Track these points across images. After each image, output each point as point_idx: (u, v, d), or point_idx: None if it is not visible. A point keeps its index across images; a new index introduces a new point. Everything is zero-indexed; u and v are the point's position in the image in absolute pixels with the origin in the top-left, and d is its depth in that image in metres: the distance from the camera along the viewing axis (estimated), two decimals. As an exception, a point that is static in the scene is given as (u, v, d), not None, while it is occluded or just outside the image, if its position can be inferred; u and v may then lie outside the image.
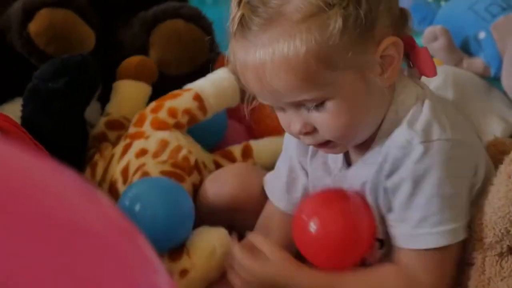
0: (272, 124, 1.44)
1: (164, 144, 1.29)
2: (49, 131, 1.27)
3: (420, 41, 1.57)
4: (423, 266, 1.00)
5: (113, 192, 1.26)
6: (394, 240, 1.03)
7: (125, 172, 1.26)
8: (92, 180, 1.29)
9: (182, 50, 1.47)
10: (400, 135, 0.99)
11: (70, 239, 0.46)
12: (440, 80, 1.42)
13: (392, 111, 1.01)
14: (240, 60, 0.97)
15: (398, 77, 1.01)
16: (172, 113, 1.33)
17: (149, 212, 1.14)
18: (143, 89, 1.43)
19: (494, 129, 1.39)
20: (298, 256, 1.08)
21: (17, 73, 1.43)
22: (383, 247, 1.07)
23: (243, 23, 0.95)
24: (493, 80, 1.54)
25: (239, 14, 0.96)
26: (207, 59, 1.47)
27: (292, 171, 1.16)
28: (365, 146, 1.04)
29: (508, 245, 1.00)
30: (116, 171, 1.27)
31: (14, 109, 1.34)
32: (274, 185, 1.20)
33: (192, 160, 1.29)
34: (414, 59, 1.03)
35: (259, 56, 0.94)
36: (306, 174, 1.15)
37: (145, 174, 1.25)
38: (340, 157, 1.08)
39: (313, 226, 1.03)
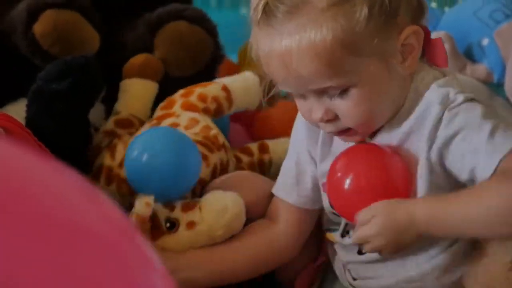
0: (275, 126, 1.45)
1: (195, 121, 1.31)
2: (52, 132, 1.27)
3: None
4: None
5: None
6: (481, 174, 0.97)
7: None
8: (111, 162, 1.29)
9: (186, 52, 1.47)
10: (433, 95, 1.00)
11: (70, 239, 0.46)
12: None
13: (412, 89, 1.02)
14: (264, 47, 0.98)
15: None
16: (202, 98, 1.35)
17: (157, 160, 1.15)
18: (150, 86, 1.44)
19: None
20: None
21: (21, 74, 1.43)
22: None
23: (267, 11, 0.97)
24: (496, 87, 1.54)
25: (263, 2, 0.97)
26: (211, 61, 1.47)
27: (300, 163, 1.16)
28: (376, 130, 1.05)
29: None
30: None
31: (17, 110, 1.34)
32: (282, 181, 1.19)
33: (220, 140, 1.31)
34: (428, 49, 1.05)
35: (286, 44, 0.95)
36: (315, 163, 1.14)
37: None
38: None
39: (347, 182, 1.02)
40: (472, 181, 0.99)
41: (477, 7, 1.59)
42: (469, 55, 1.58)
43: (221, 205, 1.16)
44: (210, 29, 1.48)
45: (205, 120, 1.32)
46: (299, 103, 1.03)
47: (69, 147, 1.28)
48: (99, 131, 1.37)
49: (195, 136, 1.27)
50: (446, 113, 0.99)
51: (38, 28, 1.40)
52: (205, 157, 1.24)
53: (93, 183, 1.26)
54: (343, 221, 1.12)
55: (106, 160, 1.29)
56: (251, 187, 1.23)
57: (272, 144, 1.42)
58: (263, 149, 1.41)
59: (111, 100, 1.42)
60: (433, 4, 1.93)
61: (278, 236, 1.18)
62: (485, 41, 1.55)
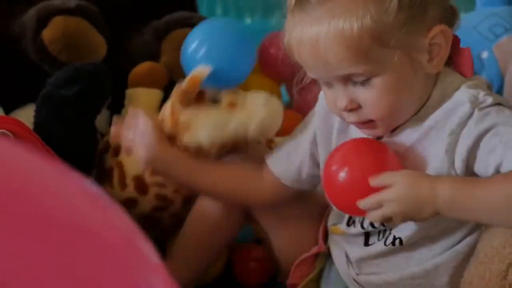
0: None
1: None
2: (60, 137, 1.29)
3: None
4: None
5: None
6: (509, 167, 0.96)
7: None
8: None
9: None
10: (462, 95, 1.01)
11: (70, 239, 0.46)
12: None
13: (438, 89, 1.03)
14: (296, 34, 1.00)
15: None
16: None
17: (214, 50, 1.23)
18: (155, 95, 1.46)
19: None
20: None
21: (30, 79, 1.45)
22: None
23: None
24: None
25: None
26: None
27: (300, 145, 1.18)
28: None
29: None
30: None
31: (26, 115, 1.36)
32: (276, 154, 1.21)
33: None
34: (456, 57, 1.06)
35: (315, 29, 0.98)
36: (313, 161, 1.16)
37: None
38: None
39: (342, 175, 1.02)
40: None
41: (477, 21, 1.60)
42: (469, 67, 1.59)
43: (263, 99, 1.21)
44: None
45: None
46: (325, 91, 1.05)
47: (76, 152, 1.30)
48: (104, 138, 1.38)
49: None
50: (476, 112, 0.99)
51: (47, 34, 1.42)
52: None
53: (103, 186, 1.29)
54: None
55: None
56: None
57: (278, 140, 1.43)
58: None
59: (116, 106, 1.44)
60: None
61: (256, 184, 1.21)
62: (485, 54, 1.56)
